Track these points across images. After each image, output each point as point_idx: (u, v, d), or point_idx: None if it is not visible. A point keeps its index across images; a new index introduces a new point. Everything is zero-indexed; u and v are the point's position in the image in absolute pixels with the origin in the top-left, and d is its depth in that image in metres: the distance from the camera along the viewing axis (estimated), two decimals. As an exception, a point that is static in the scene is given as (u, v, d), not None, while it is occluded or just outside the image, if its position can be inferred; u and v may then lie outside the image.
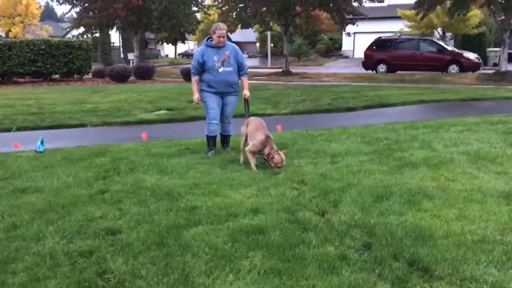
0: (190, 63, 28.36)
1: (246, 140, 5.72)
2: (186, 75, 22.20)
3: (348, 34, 28.52)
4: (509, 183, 4.58)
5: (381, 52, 23.63)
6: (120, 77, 21.63)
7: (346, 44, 41.85)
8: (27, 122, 10.08)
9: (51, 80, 22.57)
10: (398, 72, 22.59)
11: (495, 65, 24.26)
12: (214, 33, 6.12)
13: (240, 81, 6.44)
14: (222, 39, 6.13)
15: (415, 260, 2.96)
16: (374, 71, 23.62)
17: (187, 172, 5.33)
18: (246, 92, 6.36)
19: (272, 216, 3.84)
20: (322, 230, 3.52)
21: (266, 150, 5.35)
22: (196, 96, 6.32)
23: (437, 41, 24.44)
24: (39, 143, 6.97)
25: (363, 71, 24.14)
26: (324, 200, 4.26)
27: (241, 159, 5.74)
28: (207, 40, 6.28)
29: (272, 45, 38.71)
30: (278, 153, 5.27)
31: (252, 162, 5.42)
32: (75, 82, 22.16)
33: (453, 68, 21.92)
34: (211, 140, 6.39)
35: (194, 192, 4.52)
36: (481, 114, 9.67)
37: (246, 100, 6.34)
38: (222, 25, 6.20)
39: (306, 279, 2.79)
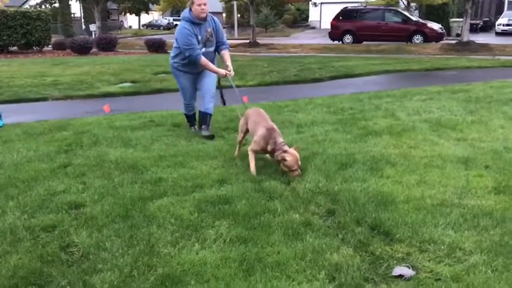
0: (155, 35, 27.63)
1: (244, 135, 4.73)
2: (151, 46, 21.78)
3: (315, 4, 28.45)
4: (468, 149, 4.74)
5: (347, 22, 23.68)
6: (82, 48, 20.97)
7: (313, 14, 41.73)
8: (-16, 96, 9.68)
9: (9, 52, 21.67)
10: (365, 42, 22.78)
11: (458, 35, 24.77)
12: (192, 2, 5.19)
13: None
14: (204, 7, 5.17)
15: (377, 225, 3.04)
16: (340, 42, 23.70)
17: (152, 145, 5.26)
18: (229, 64, 5.36)
19: (238, 186, 3.85)
20: (287, 198, 3.56)
21: (269, 147, 4.14)
22: (221, 71, 5.32)
23: (402, 11, 24.67)
24: (-3, 117, 6.72)
25: (330, 41, 24.19)
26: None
27: (236, 152, 4.75)
28: (185, 13, 5.29)
29: (239, 15, 38.18)
30: (287, 151, 3.99)
31: (252, 163, 4.23)
32: (35, 54, 21.35)
33: (417, 38, 22.26)
34: (190, 117, 5.95)
35: (159, 165, 4.48)
36: (444, 83, 9.90)
37: (227, 75, 5.33)
38: None
39: (271, 246, 2.83)
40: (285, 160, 3.93)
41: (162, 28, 52.48)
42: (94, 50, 22.06)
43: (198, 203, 3.52)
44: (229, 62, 5.39)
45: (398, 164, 4.29)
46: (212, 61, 5.44)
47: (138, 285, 2.46)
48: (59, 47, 23.18)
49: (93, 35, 28.23)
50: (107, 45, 22.49)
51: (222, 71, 5.29)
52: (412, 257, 2.70)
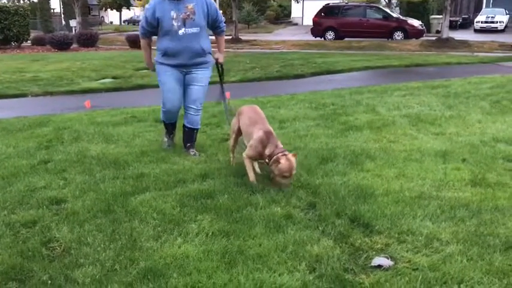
0: (136, 30, 27.25)
1: (236, 137, 4.20)
2: (132, 42, 21.55)
3: (297, 1, 28.47)
4: (446, 143, 4.84)
5: (329, 19, 23.81)
6: (62, 44, 20.65)
7: (296, 11, 41.77)
8: (-39, 92, 9.49)
9: (-14, 48, 21.24)
10: (346, 39, 22.92)
11: (437, 32, 25.09)
12: None
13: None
14: None
15: (357, 217, 3.10)
16: (322, 38, 23.81)
17: (134, 140, 5.24)
18: (220, 56, 4.69)
19: (221, 180, 3.87)
20: (269, 192, 3.59)
21: (267, 151, 3.68)
22: (150, 65, 4.76)
23: (383, 8, 24.90)
24: (-26, 113, 6.61)
25: (312, 38, 24.28)
26: (271, 163, 4.33)
27: (231, 159, 4.29)
28: None
29: (221, 11, 37.94)
30: (285, 155, 3.58)
31: (251, 171, 3.80)
32: (13, 50, 20.97)
33: (398, 35, 22.50)
34: (168, 126, 4.87)
35: (141, 160, 4.47)
36: (423, 79, 10.05)
37: (218, 66, 4.74)
38: None
39: (252, 239, 2.86)
40: (279, 162, 3.51)
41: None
42: (74, 45, 21.75)
43: (181, 197, 3.53)
44: (219, 54, 4.70)
45: (378, 158, 4.36)
46: (202, 47, 4.47)
47: (120, 279, 2.47)
48: (38, 42, 22.78)
49: (74, 31, 27.81)
50: (88, 41, 22.20)
51: (149, 64, 4.71)
52: (391, 247, 2.76)
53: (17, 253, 2.75)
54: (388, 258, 2.63)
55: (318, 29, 24.16)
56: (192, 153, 4.65)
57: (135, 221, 3.15)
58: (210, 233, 2.95)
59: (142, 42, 4.70)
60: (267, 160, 3.67)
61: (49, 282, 2.46)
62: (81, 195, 3.63)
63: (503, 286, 2.36)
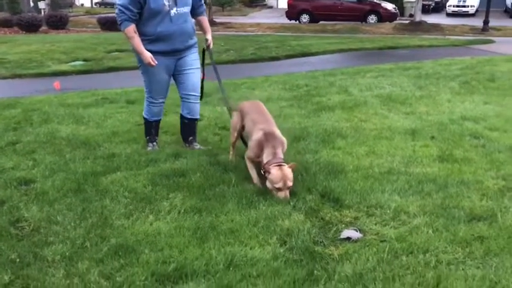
0: (109, 13, 26.12)
1: (238, 134, 3.81)
2: (104, 24, 21.08)
3: (272, -17, 28.24)
4: (415, 122, 4.93)
5: (303, 2, 23.73)
6: (30, 26, 20.07)
7: (270, -6, 41.47)
8: None
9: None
10: (321, 22, 22.94)
11: (411, 15, 25.34)
12: None
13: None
14: None
15: (327, 192, 3.15)
16: (297, 21, 23.77)
17: (105, 121, 5.17)
18: (209, 37, 4.16)
19: (193, 160, 3.86)
20: (242, 170, 3.60)
21: (264, 157, 3.23)
22: (147, 55, 3.79)
23: (358, -9, 24.93)
24: None
25: (287, 21, 24.19)
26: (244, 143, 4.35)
27: (230, 156, 3.88)
28: None
29: (195, -6, 37.42)
30: (280, 165, 3.14)
31: (253, 173, 3.40)
32: (-22, 32, 20.27)
33: (372, 18, 22.64)
34: (153, 126, 4.24)
35: (113, 141, 4.42)
36: (396, 61, 10.17)
37: (205, 50, 4.24)
38: None
39: (225, 215, 2.88)
40: (269, 173, 3.11)
41: (115, 6, 50.75)
42: (44, 28, 21.15)
43: (152, 176, 3.52)
44: (209, 35, 4.17)
45: (349, 137, 4.42)
46: (193, 28, 4.07)
47: (90, 256, 2.46)
48: (5, 24, 22.04)
49: (42, 13, 26.99)
50: (58, 23, 21.59)
51: (147, 58, 3.78)
52: (360, 221, 2.82)
53: (-16, 233, 2.71)
54: (356, 231, 2.69)
55: (292, 12, 24.08)
56: (196, 147, 4.21)
57: (106, 199, 3.13)
58: (182, 210, 2.96)
59: (128, 29, 3.74)
60: (262, 171, 3.25)
61: (17, 260, 2.43)
62: (51, 175, 3.58)
63: (466, 254, 2.44)
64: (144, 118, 4.23)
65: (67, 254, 2.47)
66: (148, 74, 3.97)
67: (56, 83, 7.44)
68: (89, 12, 40.44)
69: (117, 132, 4.67)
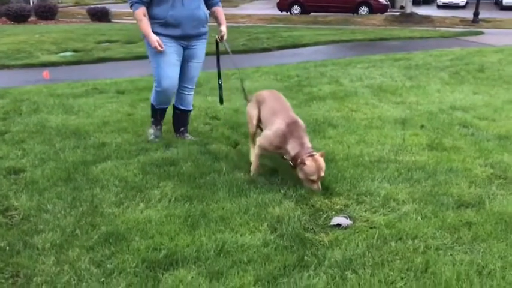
0: (98, 4, 25.82)
1: (257, 125, 3.56)
2: (94, 15, 20.89)
3: (263, -26, 28.13)
4: (405, 111, 4.96)
5: (295, -7, 23.71)
6: (19, 16, 19.80)
7: (262, -15, 41.26)
8: None
9: None
10: (312, 13, 22.92)
11: (402, 7, 25.38)
12: None
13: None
14: None
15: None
16: (288, 13, 23.72)
17: (95, 111, 5.14)
18: (223, 29, 4.04)
19: (184, 149, 3.86)
20: (233, 159, 3.61)
21: (290, 149, 3.11)
22: (154, 38, 3.72)
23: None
24: None
25: (278, 12, 24.15)
26: (235, 132, 4.36)
27: (252, 148, 3.58)
28: None
29: (186, -15, 37.13)
30: (312, 156, 3.03)
31: (255, 162, 3.33)
32: (-35, 23, 19.97)
33: (363, 10, 22.68)
34: (158, 112, 4.14)
35: (103, 130, 4.40)
36: (387, 52, 10.19)
37: (218, 42, 4.12)
38: None
39: (215, 203, 2.89)
40: (304, 164, 2.99)
41: (105, -3, 50.23)
42: (32, 18, 20.88)
43: (143, 165, 3.51)
44: (224, 26, 4.06)
45: (340, 126, 4.44)
46: (205, 15, 3.95)
47: (81, 243, 2.45)
48: (-7, 15, 21.75)
49: (31, 3, 26.66)
50: (47, 13, 21.33)
51: (154, 41, 3.71)
52: (350, 208, 2.84)
53: (-27, 222, 2.69)
54: (346, 218, 2.71)
55: (284, 3, 24.05)
56: (187, 138, 4.19)
57: (97, 188, 3.11)
58: (173, 199, 2.96)
59: (138, 12, 3.68)
60: (291, 162, 3.13)
61: (7, 248, 2.41)
62: (41, 164, 3.55)
63: (454, 240, 2.47)
64: (151, 103, 4.15)
65: (57, 241, 2.46)
66: (156, 57, 3.82)
67: (45, 73, 7.38)
68: (78, 3, 39.97)
69: (107, 122, 4.65)
